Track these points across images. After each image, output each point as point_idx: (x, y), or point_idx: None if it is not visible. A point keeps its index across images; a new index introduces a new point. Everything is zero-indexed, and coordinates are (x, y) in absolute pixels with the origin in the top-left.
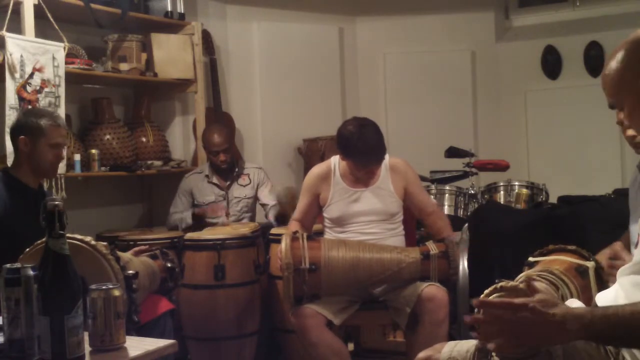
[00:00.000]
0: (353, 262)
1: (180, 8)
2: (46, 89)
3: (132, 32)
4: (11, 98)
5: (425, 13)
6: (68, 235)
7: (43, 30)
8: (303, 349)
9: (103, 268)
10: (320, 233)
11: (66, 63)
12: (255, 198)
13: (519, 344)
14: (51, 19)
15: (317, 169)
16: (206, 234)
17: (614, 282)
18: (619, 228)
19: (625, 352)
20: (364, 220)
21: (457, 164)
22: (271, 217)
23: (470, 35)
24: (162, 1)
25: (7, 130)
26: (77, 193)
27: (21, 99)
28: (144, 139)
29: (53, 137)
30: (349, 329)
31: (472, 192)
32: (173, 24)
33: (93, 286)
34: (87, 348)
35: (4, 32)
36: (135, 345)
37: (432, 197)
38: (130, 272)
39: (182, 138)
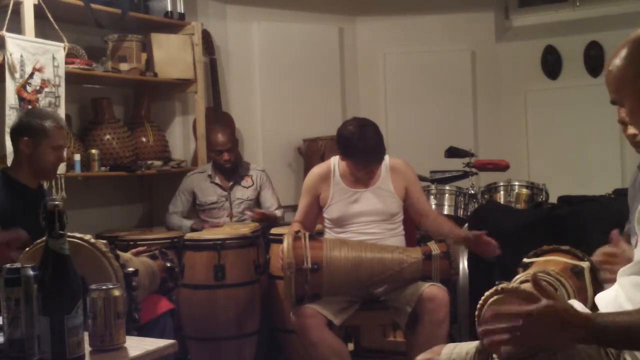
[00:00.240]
0: (355, 262)
1: (180, 8)
2: (46, 89)
3: (132, 32)
4: (11, 98)
5: (425, 13)
6: (67, 233)
7: (43, 30)
8: (303, 349)
9: (102, 266)
10: (321, 233)
11: (66, 63)
12: (257, 200)
13: (529, 348)
14: (51, 19)
15: (317, 170)
16: (206, 234)
17: (606, 277)
18: (618, 228)
19: (626, 354)
20: (364, 221)
21: (457, 164)
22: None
23: (470, 35)
24: (162, 1)
25: (7, 130)
26: (77, 193)
27: (21, 99)
28: (144, 139)
29: (56, 139)
30: (349, 329)
31: (472, 192)
32: (173, 24)
33: (93, 286)
34: (87, 348)
35: (4, 32)
36: (135, 345)
37: (432, 197)
38: (130, 269)
39: (182, 138)
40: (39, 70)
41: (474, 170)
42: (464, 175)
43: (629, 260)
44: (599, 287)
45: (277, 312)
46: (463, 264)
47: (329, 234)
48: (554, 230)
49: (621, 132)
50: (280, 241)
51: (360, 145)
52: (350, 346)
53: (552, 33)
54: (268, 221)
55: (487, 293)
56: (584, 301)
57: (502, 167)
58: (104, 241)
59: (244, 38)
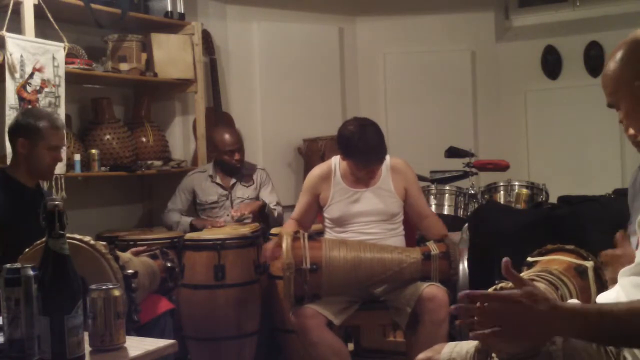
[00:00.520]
0: (354, 262)
1: (180, 8)
2: (46, 89)
3: (132, 32)
4: (11, 98)
5: (425, 13)
6: (67, 235)
7: (43, 30)
8: (303, 349)
9: (102, 267)
10: (321, 233)
11: (66, 63)
12: (258, 199)
13: (505, 336)
14: (51, 19)
15: (318, 169)
16: (206, 234)
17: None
18: (619, 228)
19: (626, 352)
20: (365, 221)
21: (457, 164)
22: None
23: (470, 35)
24: (162, 1)
25: (7, 130)
26: (77, 193)
27: (21, 99)
28: (144, 139)
29: (52, 140)
30: (349, 329)
31: (472, 192)
32: (173, 24)
33: (93, 286)
34: (87, 348)
35: (4, 32)
36: (135, 345)
37: (432, 197)
38: (130, 271)
39: (182, 138)
40: (39, 70)
41: (474, 170)
42: (464, 175)
43: (632, 260)
44: (602, 286)
45: (277, 312)
46: (463, 264)
47: (329, 234)
48: (554, 230)
49: (621, 132)
50: (278, 244)
51: (361, 145)
52: (350, 346)
53: (552, 33)
54: (259, 213)
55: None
56: (587, 300)
57: (502, 167)
58: (104, 243)
59: (244, 38)
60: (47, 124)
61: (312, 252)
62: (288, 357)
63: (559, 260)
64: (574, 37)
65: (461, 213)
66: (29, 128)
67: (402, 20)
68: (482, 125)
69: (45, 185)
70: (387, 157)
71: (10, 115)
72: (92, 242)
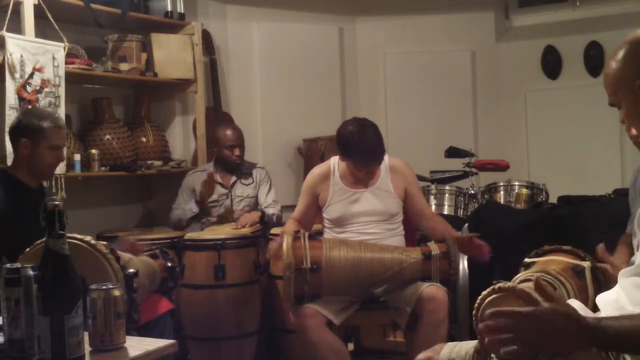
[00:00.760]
0: (354, 262)
1: (180, 8)
2: (46, 89)
3: (132, 32)
4: (11, 98)
5: (425, 13)
6: (67, 234)
7: (43, 30)
8: (303, 349)
9: (103, 267)
10: (321, 233)
11: (66, 63)
12: (257, 197)
13: (528, 351)
14: (51, 19)
15: (318, 169)
16: (206, 234)
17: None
18: (619, 228)
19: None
20: (364, 221)
21: (457, 164)
22: (270, 213)
23: (470, 35)
24: (162, 1)
25: (7, 130)
26: (77, 193)
27: (21, 99)
28: (144, 139)
29: (54, 139)
30: (349, 329)
31: (472, 192)
32: (173, 24)
33: (93, 286)
34: (87, 348)
35: (4, 32)
36: (135, 345)
37: (432, 197)
38: (131, 271)
39: (182, 138)
40: (39, 70)
41: (474, 170)
42: (464, 175)
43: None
44: (600, 286)
45: (277, 312)
46: (463, 264)
47: (328, 234)
48: (554, 230)
49: (621, 132)
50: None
51: (360, 146)
52: (350, 346)
53: (552, 33)
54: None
55: (484, 292)
56: (585, 301)
57: (502, 167)
58: (104, 242)
59: (244, 38)
60: (50, 124)
61: (313, 251)
62: (288, 357)
63: (556, 261)
64: (574, 37)
65: (461, 213)
66: (31, 128)
67: (402, 20)
68: (482, 125)
69: (45, 184)
70: (386, 158)
71: (10, 115)
72: (92, 241)
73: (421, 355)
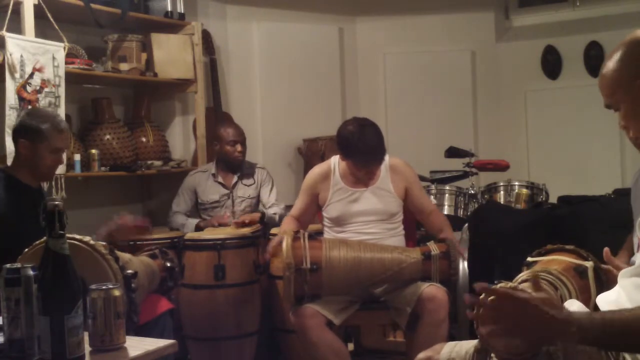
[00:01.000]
0: (354, 262)
1: (180, 8)
2: (46, 89)
3: (132, 32)
4: (11, 98)
5: (425, 13)
6: (67, 235)
7: (43, 30)
8: (303, 349)
9: (102, 268)
10: (321, 233)
11: (66, 63)
12: (258, 198)
13: (511, 335)
14: (51, 19)
15: (318, 169)
16: (206, 234)
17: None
18: (619, 228)
19: (626, 354)
20: (364, 220)
21: (457, 164)
22: (272, 214)
23: (470, 35)
24: (162, 1)
25: (7, 130)
26: (77, 193)
27: (21, 99)
28: (144, 139)
29: (54, 142)
30: (349, 329)
31: (472, 192)
32: (173, 24)
33: (93, 286)
34: (87, 348)
35: (4, 32)
36: (135, 345)
37: (432, 197)
38: (130, 271)
39: (182, 138)
40: (39, 70)
41: (474, 170)
42: (464, 175)
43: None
44: (602, 286)
45: (277, 312)
46: (463, 264)
47: (328, 234)
48: (554, 230)
49: (621, 132)
50: (280, 241)
51: (360, 146)
52: (350, 346)
53: (552, 33)
54: (258, 222)
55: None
56: (586, 301)
57: (502, 167)
58: (103, 243)
59: (244, 38)
60: (50, 127)
61: (313, 252)
62: (288, 357)
63: (558, 261)
64: (574, 37)
65: (461, 213)
66: (31, 129)
67: (402, 20)
68: (482, 125)
69: (45, 185)
70: (386, 157)
71: (10, 115)
72: (91, 242)
73: (421, 355)
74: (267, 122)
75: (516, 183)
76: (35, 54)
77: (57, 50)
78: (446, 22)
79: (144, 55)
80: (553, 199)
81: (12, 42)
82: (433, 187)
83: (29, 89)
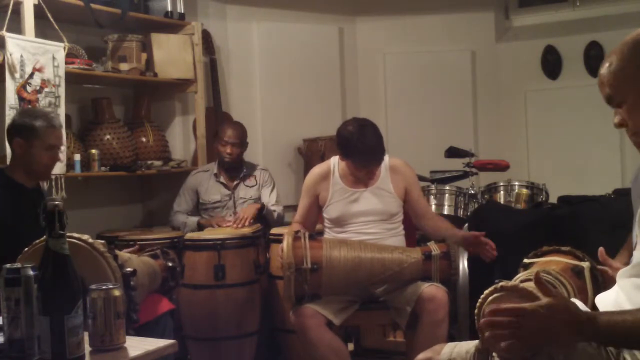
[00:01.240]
0: (354, 262)
1: (180, 8)
2: (46, 89)
3: (132, 32)
4: (11, 98)
5: (425, 13)
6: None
7: (43, 30)
8: (303, 348)
9: (100, 266)
10: (322, 233)
11: (66, 63)
12: (260, 199)
13: (528, 346)
14: (51, 19)
15: (317, 169)
16: (206, 234)
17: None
18: (619, 228)
19: (626, 353)
20: (364, 220)
21: (457, 164)
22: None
23: (470, 35)
24: (162, 1)
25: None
26: (77, 193)
27: (21, 99)
28: (144, 139)
29: (48, 139)
30: (349, 329)
31: (472, 192)
32: (173, 24)
33: (93, 286)
34: (87, 348)
35: (4, 32)
36: (135, 345)
37: (432, 197)
38: (128, 269)
39: (182, 138)
40: (39, 70)
41: (474, 170)
42: (464, 175)
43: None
44: (598, 287)
45: (277, 312)
46: (463, 264)
47: (328, 234)
48: (554, 230)
49: (621, 132)
50: (281, 241)
51: (360, 146)
52: (350, 346)
53: (552, 33)
54: (258, 215)
55: (486, 291)
56: (584, 300)
57: (502, 167)
58: (102, 241)
59: (244, 38)
60: (43, 123)
61: (313, 251)
62: (288, 357)
63: (555, 261)
64: (574, 37)
65: (461, 213)
66: (24, 127)
67: (402, 20)
68: (482, 125)
69: (45, 185)
70: (386, 158)
71: (10, 116)
72: (90, 240)
73: (421, 356)
74: (267, 122)
75: (516, 183)
76: (35, 54)
77: (57, 50)
78: (446, 22)
79: (144, 55)
80: (553, 199)
81: (12, 42)
82: (433, 187)
83: (29, 89)
